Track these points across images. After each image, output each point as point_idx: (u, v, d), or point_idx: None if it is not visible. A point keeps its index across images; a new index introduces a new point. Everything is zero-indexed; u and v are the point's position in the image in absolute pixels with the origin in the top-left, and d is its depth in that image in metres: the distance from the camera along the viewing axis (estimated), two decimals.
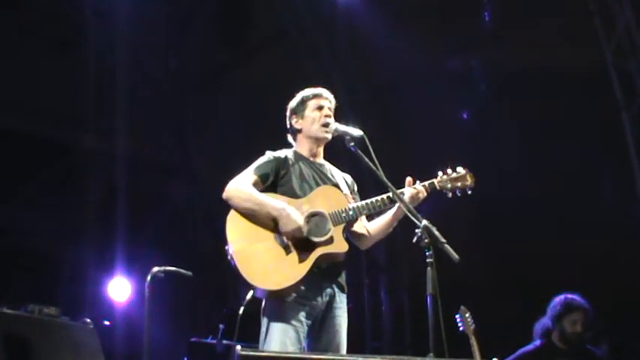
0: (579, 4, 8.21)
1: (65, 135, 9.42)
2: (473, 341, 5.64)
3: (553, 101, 8.53)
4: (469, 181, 4.54)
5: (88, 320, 5.35)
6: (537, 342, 6.22)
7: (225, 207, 4.43)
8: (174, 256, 6.39)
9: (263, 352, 4.15)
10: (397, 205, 4.43)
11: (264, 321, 4.38)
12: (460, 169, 4.56)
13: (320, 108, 4.62)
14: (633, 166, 8.24)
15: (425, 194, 4.46)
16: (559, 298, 6.17)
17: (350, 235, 4.60)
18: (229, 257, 4.29)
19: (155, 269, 5.48)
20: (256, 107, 9.36)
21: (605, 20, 8.20)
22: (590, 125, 8.46)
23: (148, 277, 5.45)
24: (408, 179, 4.49)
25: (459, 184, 4.53)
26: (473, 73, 9.44)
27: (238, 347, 3.48)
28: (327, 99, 4.68)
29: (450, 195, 4.54)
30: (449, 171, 4.56)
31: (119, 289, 8.94)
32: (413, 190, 4.44)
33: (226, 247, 4.32)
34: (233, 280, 4.45)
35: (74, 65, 8.96)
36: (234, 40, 9.80)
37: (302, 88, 4.76)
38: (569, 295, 6.15)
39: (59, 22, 8.86)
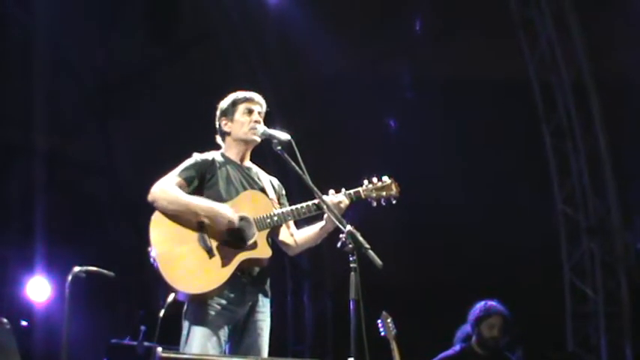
0: (505, 18, 8.35)
1: None
2: (393, 346, 5.67)
3: (478, 111, 8.64)
4: (394, 190, 4.53)
5: (5, 320, 5.22)
6: (457, 347, 6.30)
7: (149, 207, 4.36)
8: (95, 256, 6.26)
9: (184, 354, 4.13)
10: (325, 215, 4.42)
11: (186, 324, 4.32)
12: (385, 179, 4.55)
13: (250, 112, 4.57)
14: (552, 177, 8.48)
15: (347, 203, 4.44)
16: (479, 304, 6.25)
17: (277, 242, 4.58)
18: (152, 260, 4.24)
19: (76, 269, 5.29)
20: (183, 106, 9.26)
21: (528, 34, 8.41)
22: (512, 135, 8.64)
23: (69, 277, 5.24)
24: (331, 191, 4.46)
25: (384, 193, 4.52)
26: (401, 79, 9.49)
27: (159, 349, 3.45)
28: (258, 103, 4.63)
29: (374, 204, 4.53)
30: (374, 180, 4.54)
31: (38, 288, 8.70)
32: (335, 199, 4.41)
33: (149, 250, 4.26)
34: (155, 282, 4.39)
35: None
36: (162, 38, 9.68)
37: (229, 89, 4.70)
38: (489, 301, 6.24)
39: None
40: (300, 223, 4.62)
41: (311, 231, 4.58)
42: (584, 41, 8.12)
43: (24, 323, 7.92)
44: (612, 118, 8.15)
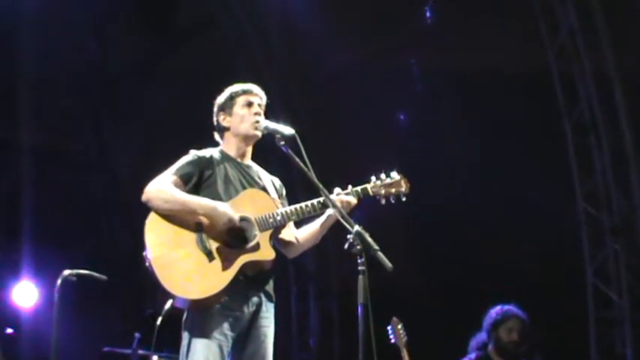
0: (523, 7, 8.15)
1: None
2: (404, 354, 5.60)
3: (493, 104, 8.49)
4: (403, 187, 4.42)
5: None
6: (472, 355, 6.17)
7: (145, 207, 4.23)
8: (87, 259, 6.25)
9: None
10: (327, 212, 4.31)
11: (186, 335, 4.18)
12: (394, 175, 4.44)
13: (249, 105, 4.42)
14: (573, 174, 8.24)
15: (355, 201, 4.32)
16: (494, 309, 6.16)
17: (277, 243, 4.42)
18: (147, 264, 4.08)
19: (66, 272, 5.31)
20: (181, 101, 9.10)
21: (549, 24, 8.17)
22: (531, 130, 8.44)
23: (58, 281, 5.29)
24: (337, 189, 4.34)
25: (393, 190, 4.41)
26: (411, 72, 9.35)
27: (155, 357, 3.26)
28: (258, 95, 4.48)
29: (383, 201, 4.42)
30: (382, 176, 4.44)
31: (25, 293, 8.68)
32: (343, 197, 4.29)
33: (144, 253, 4.10)
34: (151, 286, 4.20)
35: None
36: (160, 28, 9.54)
37: (230, 82, 4.56)
38: (505, 306, 6.16)
39: None
40: (299, 222, 4.48)
41: (311, 229, 4.47)
42: (608, 30, 7.83)
43: (9, 331, 7.84)
44: (638, 111, 7.89)
